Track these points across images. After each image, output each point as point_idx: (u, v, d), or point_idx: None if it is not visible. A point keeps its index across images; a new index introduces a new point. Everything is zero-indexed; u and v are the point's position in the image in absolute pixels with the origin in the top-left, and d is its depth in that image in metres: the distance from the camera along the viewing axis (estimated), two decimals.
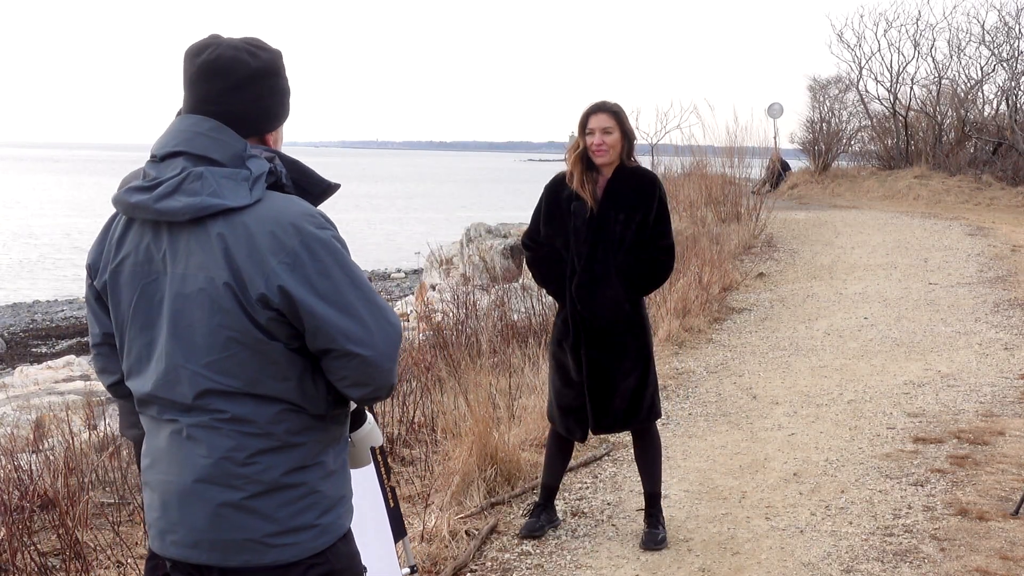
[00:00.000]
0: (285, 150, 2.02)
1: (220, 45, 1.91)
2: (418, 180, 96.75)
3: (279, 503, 1.87)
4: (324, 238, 1.84)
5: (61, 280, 26.07)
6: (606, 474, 5.08)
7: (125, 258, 1.93)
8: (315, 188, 1.97)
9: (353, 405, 2.12)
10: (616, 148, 4.00)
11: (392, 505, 3.49)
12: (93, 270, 2.00)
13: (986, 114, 23.36)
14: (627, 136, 4.03)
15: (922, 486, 4.74)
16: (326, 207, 1.99)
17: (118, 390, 2.07)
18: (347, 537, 2.00)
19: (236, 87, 1.89)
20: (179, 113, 1.96)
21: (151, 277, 1.90)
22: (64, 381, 12.01)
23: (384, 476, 3.47)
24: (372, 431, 2.22)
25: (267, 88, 1.93)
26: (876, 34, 29.56)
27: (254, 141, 1.93)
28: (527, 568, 3.97)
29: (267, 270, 1.80)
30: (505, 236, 18.77)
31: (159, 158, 1.89)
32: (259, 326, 1.83)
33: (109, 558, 4.00)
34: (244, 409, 1.85)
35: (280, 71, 1.97)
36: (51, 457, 5.30)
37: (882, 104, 24.49)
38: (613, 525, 4.40)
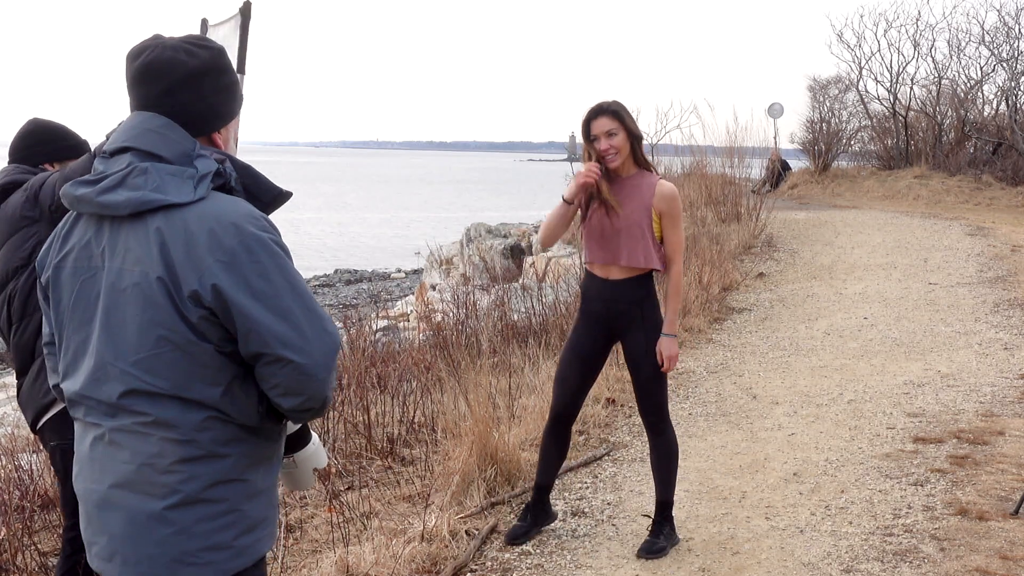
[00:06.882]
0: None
1: (157, 47, 1.86)
2: (418, 180, 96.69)
3: (198, 517, 1.81)
4: (265, 240, 1.79)
5: None
6: (606, 474, 5.08)
7: (68, 253, 1.89)
8: (265, 195, 1.91)
9: (292, 427, 2.05)
10: (624, 150, 3.83)
11: None
12: (40, 266, 1.95)
13: (986, 114, 23.34)
14: (633, 136, 3.85)
15: (922, 486, 4.74)
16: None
17: (61, 392, 1.97)
18: (260, 564, 1.92)
19: (173, 88, 1.85)
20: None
21: (90, 272, 1.85)
22: None
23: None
24: (316, 452, 2.14)
25: (208, 87, 1.88)
26: (876, 34, 29.61)
27: (203, 141, 1.89)
28: (527, 568, 3.98)
29: (202, 267, 1.75)
30: (505, 236, 18.75)
31: (108, 154, 1.86)
32: (190, 325, 1.77)
33: None
34: (168, 413, 1.79)
35: (223, 68, 1.91)
36: None
37: (882, 104, 24.49)
38: (613, 525, 4.40)
